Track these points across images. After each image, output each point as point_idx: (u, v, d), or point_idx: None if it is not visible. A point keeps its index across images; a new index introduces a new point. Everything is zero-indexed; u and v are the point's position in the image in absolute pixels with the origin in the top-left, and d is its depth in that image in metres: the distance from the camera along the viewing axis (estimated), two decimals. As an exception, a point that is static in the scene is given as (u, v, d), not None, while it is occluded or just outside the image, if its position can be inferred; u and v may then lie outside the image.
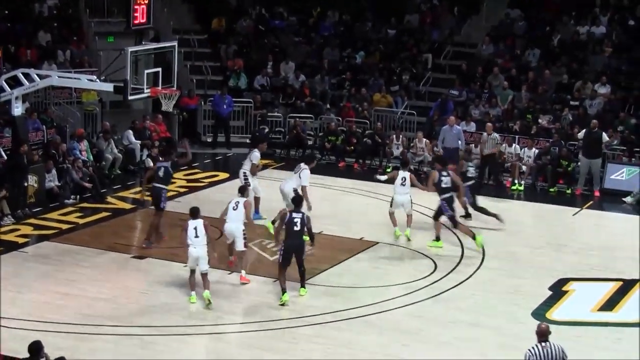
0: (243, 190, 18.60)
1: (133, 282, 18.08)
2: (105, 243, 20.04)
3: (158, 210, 19.91)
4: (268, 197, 21.58)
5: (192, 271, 16.90)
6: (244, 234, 17.85)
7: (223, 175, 26.14)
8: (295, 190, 19.95)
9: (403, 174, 20.71)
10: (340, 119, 29.67)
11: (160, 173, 19.89)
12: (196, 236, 16.73)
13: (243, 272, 17.91)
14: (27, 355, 12.17)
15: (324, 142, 28.51)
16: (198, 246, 16.72)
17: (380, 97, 30.56)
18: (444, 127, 25.91)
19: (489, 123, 26.30)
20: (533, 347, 11.95)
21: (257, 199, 21.25)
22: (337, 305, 16.93)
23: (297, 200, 17.77)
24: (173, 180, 24.94)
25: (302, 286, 17.22)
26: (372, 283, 18.25)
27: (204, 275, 16.76)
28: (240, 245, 17.84)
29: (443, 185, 20.23)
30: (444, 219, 20.28)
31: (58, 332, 15.24)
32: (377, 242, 20.63)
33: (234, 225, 17.82)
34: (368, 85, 31.41)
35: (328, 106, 30.71)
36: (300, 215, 16.93)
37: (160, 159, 21.11)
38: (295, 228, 16.82)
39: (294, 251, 16.95)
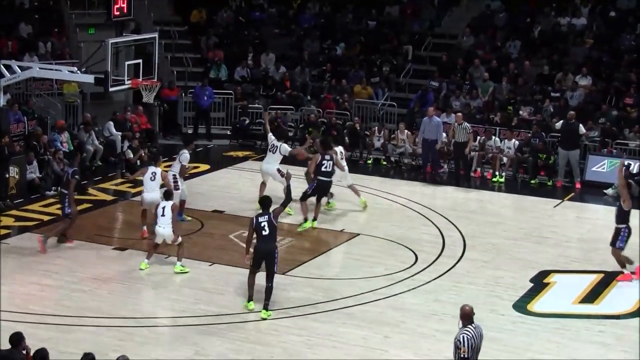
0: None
1: (114, 274, 18.05)
2: (86, 234, 19.99)
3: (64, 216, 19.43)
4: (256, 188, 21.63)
5: (157, 245, 17.99)
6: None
7: (204, 166, 26.11)
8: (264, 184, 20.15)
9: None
10: (320, 110, 29.68)
11: (64, 179, 19.62)
12: (163, 215, 17.83)
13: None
14: (8, 346, 12.16)
15: (304, 134, 28.49)
16: (164, 225, 17.83)
17: (360, 89, 30.56)
18: (424, 118, 25.95)
19: (459, 113, 26.31)
20: (467, 330, 11.97)
21: (182, 202, 20.67)
22: (318, 297, 16.97)
23: (265, 201, 16.52)
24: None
25: (265, 307, 16.03)
26: (353, 275, 18.29)
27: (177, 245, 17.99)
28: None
29: (323, 169, 20.71)
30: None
31: (39, 324, 15.23)
32: (358, 234, 20.68)
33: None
34: (348, 76, 31.42)
35: (309, 98, 30.72)
36: (266, 217, 16.03)
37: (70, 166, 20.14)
38: (264, 232, 15.99)
39: (264, 257, 16.07)
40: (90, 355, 11.43)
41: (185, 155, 20.75)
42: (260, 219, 16.01)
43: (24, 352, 12.09)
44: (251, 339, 15.30)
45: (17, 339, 12.08)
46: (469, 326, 12.00)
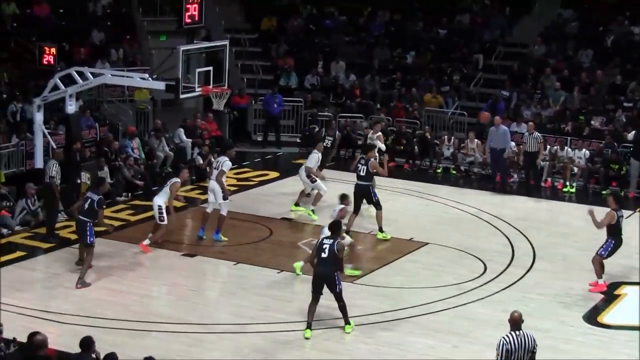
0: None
1: (183, 280, 18.17)
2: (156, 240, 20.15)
3: (87, 246, 17.98)
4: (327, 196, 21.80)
5: None
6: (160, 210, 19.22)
7: (273, 174, 26.17)
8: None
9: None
10: (390, 118, 29.59)
11: (86, 205, 17.98)
12: None
13: (147, 241, 18.88)
14: (78, 350, 12.28)
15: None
16: None
17: (430, 97, 30.44)
18: (491, 128, 25.74)
19: (530, 122, 26.01)
20: (507, 335, 11.96)
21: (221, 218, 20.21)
22: (386, 306, 16.88)
23: (334, 226, 15.93)
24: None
25: (347, 322, 15.71)
26: (421, 284, 18.19)
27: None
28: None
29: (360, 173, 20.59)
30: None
31: (108, 328, 15.35)
32: (427, 243, 20.54)
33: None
34: (418, 85, 31.29)
35: (378, 106, 30.64)
36: (330, 241, 15.42)
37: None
38: (323, 255, 15.35)
39: (323, 281, 15.43)
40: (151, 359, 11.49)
41: (227, 163, 20.44)
42: (325, 241, 15.47)
43: (94, 356, 12.19)
44: (319, 346, 15.26)
45: (87, 343, 12.16)
46: (513, 332, 11.95)
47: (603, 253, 18.06)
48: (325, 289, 15.40)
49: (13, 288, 16.73)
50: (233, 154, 20.84)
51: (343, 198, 18.79)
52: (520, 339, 11.94)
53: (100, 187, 18.32)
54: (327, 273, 15.31)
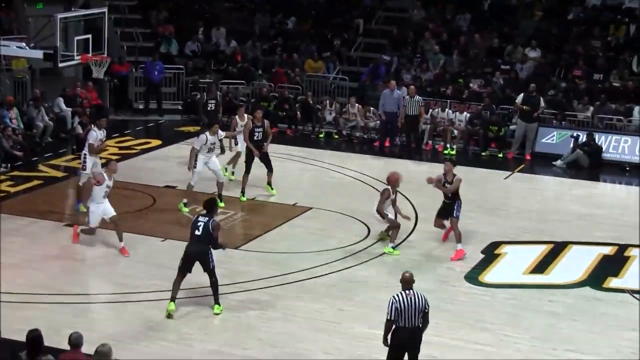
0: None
1: (65, 251, 17.96)
2: (37, 211, 19.85)
3: None
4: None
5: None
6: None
7: (155, 142, 26.03)
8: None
9: None
10: (272, 84, 29.66)
11: None
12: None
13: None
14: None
15: (255, 108, 28.38)
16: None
17: (312, 63, 30.59)
18: (385, 91, 26.00)
19: (411, 86, 26.39)
20: (398, 294, 12.32)
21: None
22: (272, 271, 17.01)
23: (210, 203, 15.56)
24: (104, 148, 24.93)
25: (216, 302, 15.30)
26: (307, 248, 18.38)
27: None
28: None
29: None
30: None
31: (-9, 302, 15.14)
32: (311, 208, 20.74)
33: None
34: (300, 51, 31.41)
35: (260, 72, 30.66)
36: (205, 219, 15.07)
37: None
38: (197, 232, 15.01)
39: (196, 259, 15.12)
40: (37, 332, 11.39)
41: (92, 133, 19.74)
42: (200, 218, 15.12)
43: (-23, 330, 12.05)
44: (204, 313, 15.30)
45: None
46: (403, 292, 12.32)
47: (458, 214, 18.31)
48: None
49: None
50: (103, 124, 20.06)
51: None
52: (410, 298, 12.26)
53: None
54: (200, 251, 15.01)
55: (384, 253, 18.16)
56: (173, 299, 15.16)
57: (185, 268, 15.13)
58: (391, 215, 18.33)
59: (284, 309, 15.56)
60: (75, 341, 11.36)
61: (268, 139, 21.14)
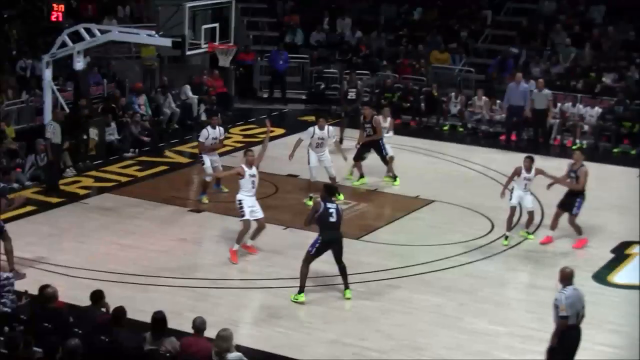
0: None
1: (190, 235, 18.24)
2: (163, 196, 20.20)
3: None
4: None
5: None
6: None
7: (279, 130, 26.12)
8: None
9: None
10: (396, 75, 29.49)
11: None
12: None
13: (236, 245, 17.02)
14: (88, 303, 12.39)
15: (380, 99, 28.37)
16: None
17: (437, 54, 30.30)
18: (510, 84, 25.62)
19: (540, 79, 25.88)
20: (564, 290, 12.07)
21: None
22: (392, 263, 16.89)
23: (331, 189, 15.95)
24: (229, 135, 25.26)
25: (347, 287, 15.46)
26: (428, 242, 18.19)
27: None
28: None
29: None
30: None
31: (117, 282, 15.47)
32: (433, 201, 20.54)
33: None
34: (425, 42, 31.14)
35: (384, 63, 30.52)
36: (334, 205, 15.26)
37: None
38: (331, 219, 15.13)
39: (333, 246, 15.23)
40: (161, 314, 11.58)
41: (203, 132, 20.04)
42: (329, 205, 15.15)
43: (103, 309, 12.31)
44: (326, 302, 15.31)
45: (97, 296, 12.32)
46: (569, 287, 12.04)
47: (578, 212, 17.95)
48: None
49: (24, 242, 16.78)
50: (216, 122, 20.13)
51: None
52: (577, 293, 12.12)
53: (5, 176, 16.99)
54: (338, 237, 15.18)
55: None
56: (302, 288, 15.20)
57: (316, 256, 15.16)
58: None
59: (404, 301, 15.43)
60: (199, 326, 11.54)
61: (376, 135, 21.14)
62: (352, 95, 24.88)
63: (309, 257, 15.19)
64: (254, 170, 16.84)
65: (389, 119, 21.34)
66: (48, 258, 16.50)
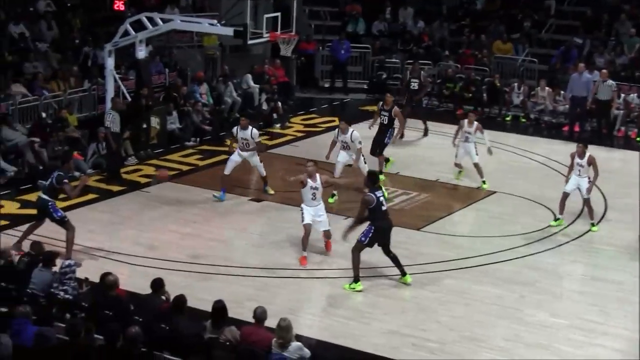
0: None
1: (249, 225, 18.30)
2: (223, 186, 20.26)
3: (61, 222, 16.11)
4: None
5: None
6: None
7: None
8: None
9: None
10: (458, 65, 29.30)
11: (47, 182, 16.26)
12: None
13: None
14: (148, 291, 12.48)
15: (441, 89, 28.22)
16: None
17: (500, 44, 30.03)
18: (573, 74, 25.33)
19: (604, 70, 25.50)
20: None
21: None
22: (452, 254, 16.80)
23: (374, 176, 15.77)
24: (290, 125, 25.25)
25: (404, 274, 15.49)
26: (489, 232, 18.06)
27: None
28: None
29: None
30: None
31: (177, 271, 15.54)
32: (495, 192, 20.38)
33: None
34: (488, 31, 30.87)
35: (447, 53, 30.33)
36: (380, 193, 15.24)
37: None
38: (384, 207, 15.19)
39: (389, 234, 15.29)
40: (221, 303, 11.63)
41: (254, 131, 19.70)
42: (378, 194, 15.15)
43: (164, 297, 12.41)
44: (385, 292, 15.27)
45: (157, 284, 12.42)
46: None
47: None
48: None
49: (85, 229, 16.98)
50: (244, 123, 19.50)
51: None
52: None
53: (65, 164, 16.53)
54: (391, 225, 15.25)
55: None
56: (358, 278, 15.22)
57: (369, 246, 15.15)
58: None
59: (464, 292, 15.33)
60: (260, 316, 11.57)
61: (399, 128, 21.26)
62: (414, 85, 24.81)
63: (361, 247, 15.21)
64: (316, 183, 16.40)
65: (475, 124, 20.56)
66: (109, 246, 16.65)
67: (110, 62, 22.66)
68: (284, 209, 18.89)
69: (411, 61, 28.83)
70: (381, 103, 21.46)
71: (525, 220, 18.67)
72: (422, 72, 25.88)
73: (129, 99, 23.16)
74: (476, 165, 20.46)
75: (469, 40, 30.74)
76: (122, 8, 23.88)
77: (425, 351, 13.36)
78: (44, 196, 15.95)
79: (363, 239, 15.17)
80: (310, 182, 16.34)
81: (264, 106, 25.99)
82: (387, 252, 15.34)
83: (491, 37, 30.53)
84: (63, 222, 15.96)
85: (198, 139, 23.79)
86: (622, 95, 25.91)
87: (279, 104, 26.01)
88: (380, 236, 15.17)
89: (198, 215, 18.62)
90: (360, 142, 19.41)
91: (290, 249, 16.87)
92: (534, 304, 15.01)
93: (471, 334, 13.94)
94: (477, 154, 20.37)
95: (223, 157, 22.49)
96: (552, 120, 26.60)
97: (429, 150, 23.51)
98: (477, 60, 29.43)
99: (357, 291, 15.19)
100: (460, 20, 31.99)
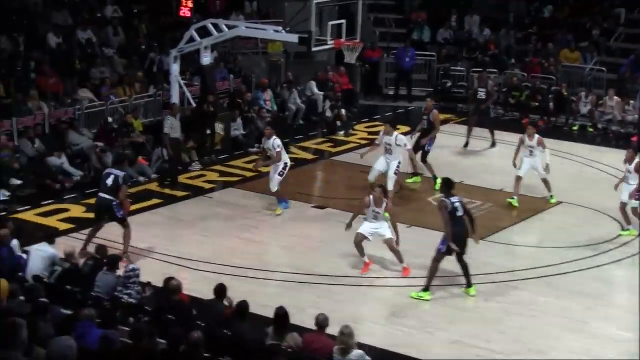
0: None
1: (313, 232, 18.25)
2: (287, 192, 20.20)
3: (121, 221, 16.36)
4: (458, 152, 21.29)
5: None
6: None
7: (404, 128, 25.84)
8: None
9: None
10: (525, 74, 28.98)
11: (110, 182, 16.23)
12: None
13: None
14: (211, 296, 12.48)
15: (507, 98, 27.93)
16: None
17: (568, 53, 29.66)
18: None
19: None
20: None
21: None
22: (518, 265, 16.58)
23: (449, 183, 15.52)
24: (353, 132, 25.18)
25: (470, 285, 15.36)
26: (555, 243, 17.80)
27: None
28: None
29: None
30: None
31: (240, 277, 15.55)
32: (562, 202, 20.08)
33: None
34: (556, 40, 30.50)
35: (513, 61, 30.03)
36: (458, 199, 15.17)
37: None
38: (459, 214, 15.05)
39: (462, 240, 15.07)
40: (284, 310, 11.57)
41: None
42: (453, 200, 15.11)
43: (226, 303, 12.40)
44: (449, 303, 15.12)
45: (221, 290, 12.42)
46: None
47: None
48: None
49: (149, 234, 17.06)
50: (268, 133, 19.21)
51: None
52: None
53: (123, 164, 16.94)
54: (467, 232, 15.10)
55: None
56: (428, 287, 15.13)
57: (448, 254, 15.00)
58: None
59: (529, 304, 15.13)
60: (322, 323, 11.50)
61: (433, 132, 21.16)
62: (482, 95, 24.51)
63: (440, 256, 15.09)
64: (379, 209, 16.10)
65: (536, 137, 19.99)
66: (172, 251, 16.72)
67: (175, 68, 22.81)
68: (348, 216, 18.75)
69: (478, 69, 28.63)
70: (424, 108, 21.65)
71: (592, 231, 18.37)
72: (489, 81, 25.59)
73: (194, 105, 23.26)
74: (545, 180, 20.09)
75: (536, 49, 30.40)
76: (188, 14, 24.00)
77: (490, 363, 13.21)
78: (107, 196, 16.07)
79: (441, 247, 15.05)
80: (373, 206, 16.15)
81: (328, 113, 25.94)
82: (460, 259, 15.17)
83: (559, 45, 30.15)
84: (123, 221, 16.12)
85: (262, 146, 23.73)
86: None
87: (343, 111, 25.93)
88: (455, 242, 14.97)
89: (261, 221, 18.62)
90: (405, 145, 19.51)
91: (352, 257, 16.74)
92: (601, 316, 14.78)
93: (536, 347, 13.75)
94: (544, 169, 19.94)
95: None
96: (621, 130, 26.16)
97: (494, 159, 23.23)
98: (544, 69, 29.07)
99: (424, 300, 15.08)
100: (528, 29, 31.65)
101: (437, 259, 15.10)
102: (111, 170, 16.47)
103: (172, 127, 20.44)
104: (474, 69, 29.28)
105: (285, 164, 19.04)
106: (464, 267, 15.23)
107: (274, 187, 18.98)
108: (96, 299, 12.58)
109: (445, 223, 15.07)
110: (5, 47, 23.80)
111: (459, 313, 14.81)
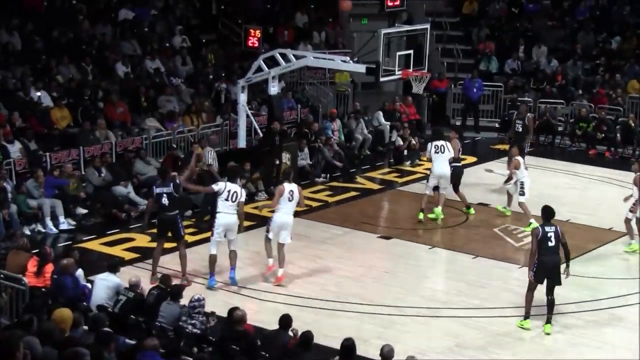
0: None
1: (378, 262, 18.31)
2: (353, 222, 20.36)
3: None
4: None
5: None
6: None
7: (471, 158, 25.93)
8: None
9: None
10: (592, 105, 28.80)
11: (164, 200, 16.52)
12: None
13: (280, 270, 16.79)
14: (275, 326, 12.59)
15: (574, 129, 27.78)
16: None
17: (636, 84, 29.42)
18: None
19: None
20: None
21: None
22: (583, 296, 16.48)
23: (548, 212, 15.45)
24: (420, 163, 25.18)
25: (549, 321, 15.17)
26: (621, 275, 17.67)
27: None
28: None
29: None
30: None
31: (304, 307, 15.66)
32: (627, 234, 19.90)
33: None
34: (623, 71, 30.29)
35: (580, 92, 29.88)
36: (553, 228, 15.10)
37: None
38: (550, 244, 14.97)
39: (554, 272, 15.06)
40: (351, 341, 11.62)
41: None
42: (547, 229, 15.01)
43: (291, 333, 12.47)
44: (513, 334, 15.08)
45: (285, 321, 12.47)
46: None
47: None
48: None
49: (204, 264, 17.08)
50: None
51: None
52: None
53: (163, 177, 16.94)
54: (558, 262, 15.02)
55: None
56: (528, 315, 15.16)
57: (538, 282, 14.98)
58: None
59: (595, 335, 15.04)
60: (388, 354, 11.48)
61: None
62: (518, 127, 23.97)
63: (532, 285, 15.10)
64: None
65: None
66: (237, 281, 16.78)
67: (242, 98, 23.10)
68: (412, 246, 18.87)
69: (546, 100, 28.50)
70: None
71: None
72: (528, 114, 25.08)
73: (261, 134, 23.51)
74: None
75: (604, 80, 30.22)
76: (256, 44, 24.29)
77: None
78: (169, 213, 16.34)
79: (531, 275, 15.06)
80: None
81: (399, 142, 25.90)
82: (549, 292, 15.06)
83: (626, 76, 29.94)
84: (182, 239, 16.48)
85: (328, 176, 23.94)
86: None
87: (414, 140, 25.76)
88: (544, 271, 14.91)
89: (326, 251, 18.72)
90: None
91: (416, 287, 16.81)
92: (670, 350, 14.61)
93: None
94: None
95: (352, 193, 22.69)
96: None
97: (559, 189, 23.11)
98: (611, 100, 28.87)
99: (524, 328, 15.08)
100: (595, 60, 31.46)
101: (529, 288, 15.15)
102: (158, 190, 16.47)
103: (214, 159, 20.62)
104: (541, 100, 29.20)
105: None
106: (550, 302, 15.08)
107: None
108: (160, 329, 12.72)
109: (531, 251, 15.11)
110: (74, 76, 24.31)
111: (522, 343, 14.76)
